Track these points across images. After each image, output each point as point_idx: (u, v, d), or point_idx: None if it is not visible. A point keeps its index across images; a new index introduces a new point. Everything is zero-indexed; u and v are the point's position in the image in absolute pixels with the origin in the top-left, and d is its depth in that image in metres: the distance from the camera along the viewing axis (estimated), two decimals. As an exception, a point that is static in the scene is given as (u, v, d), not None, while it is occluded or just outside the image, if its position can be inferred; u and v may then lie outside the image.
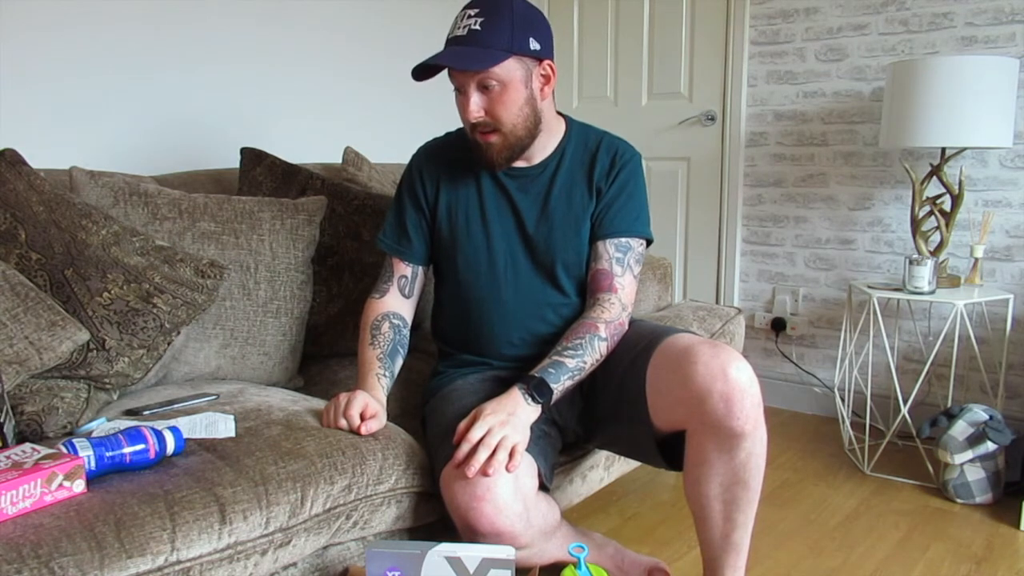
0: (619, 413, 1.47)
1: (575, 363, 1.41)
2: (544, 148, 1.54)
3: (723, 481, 1.35)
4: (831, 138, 2.83)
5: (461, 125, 1.60)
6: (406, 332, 1.58)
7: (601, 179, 1.53)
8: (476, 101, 1.42)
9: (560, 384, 1.39)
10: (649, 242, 1.58)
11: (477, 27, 1.38)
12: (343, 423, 1.36)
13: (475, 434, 1.27)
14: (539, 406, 1.36)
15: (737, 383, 1.27)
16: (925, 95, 2.26)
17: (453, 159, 1.58)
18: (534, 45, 1.42)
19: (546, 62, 1.45)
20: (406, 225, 1.59)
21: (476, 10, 1.40)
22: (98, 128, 2.05)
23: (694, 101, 3.12)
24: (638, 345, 1.45)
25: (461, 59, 1.39)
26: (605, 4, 3.28)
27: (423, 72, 1.44)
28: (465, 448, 1.26)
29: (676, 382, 1.33)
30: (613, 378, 1.47)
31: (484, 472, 1.23)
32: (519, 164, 1.54)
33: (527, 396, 1.35)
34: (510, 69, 1.40)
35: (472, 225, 1.55)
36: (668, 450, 1.45)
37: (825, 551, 1.95)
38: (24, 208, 1.43)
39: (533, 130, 1.48)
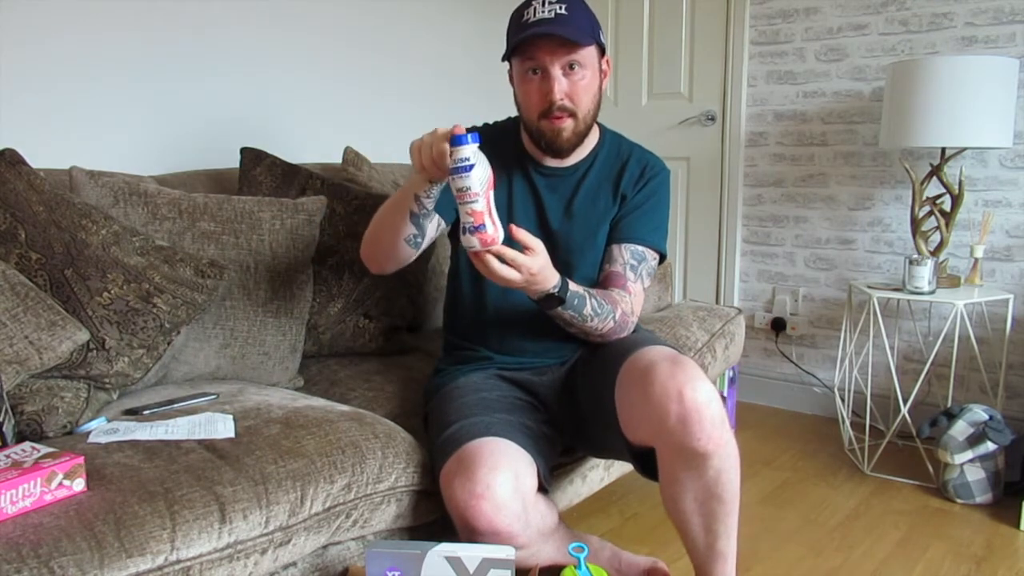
0: (597, 423, 1.47)
1: (589, 310, 1.40)
2: (580, 150, 1.54)
3: (696, 497, 1.33)
4: (831, 138, 2.82)
5: (480, 124, 1.59)
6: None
7: (628, 187, 1.53)
8: (562, 82, 1.41)
9: (566, 311, 1.38)
10: (663, 258, 1.57)
11: (564, 11, 1.38)
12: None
13: (519, 258, 1.24)
14: (546, 300, 1.34)
15: (693, 403, 1.24)
16: (925, 95, 2.26)
17: (499, 147, 1.55)
18: (602, 38, 1.45)
19: (606, 57, 1.49)
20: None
21: None
22: (98, 128, 2.05)
23: (694, 101, 3.12)
24: (611, 358, 1.44)
25: (569, 29, 1.37)
26: (605, 4, 3.28)
27: (514, 49, 1.41)
28: (507, 252, 1.23)
29: (638, 401, 1.31)
30: (591, 389, 1.47)
31: (487, 241, 1.21)
32: (552, 163, 1.53)
33: (555, 288, 1.32)
34: (592, 55, 1.43)
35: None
36: (648, 461, 1.41)
37: (825, 551, 1.95)
38: (24, 208, 1.43)
39: (593, 121, 1.50)
